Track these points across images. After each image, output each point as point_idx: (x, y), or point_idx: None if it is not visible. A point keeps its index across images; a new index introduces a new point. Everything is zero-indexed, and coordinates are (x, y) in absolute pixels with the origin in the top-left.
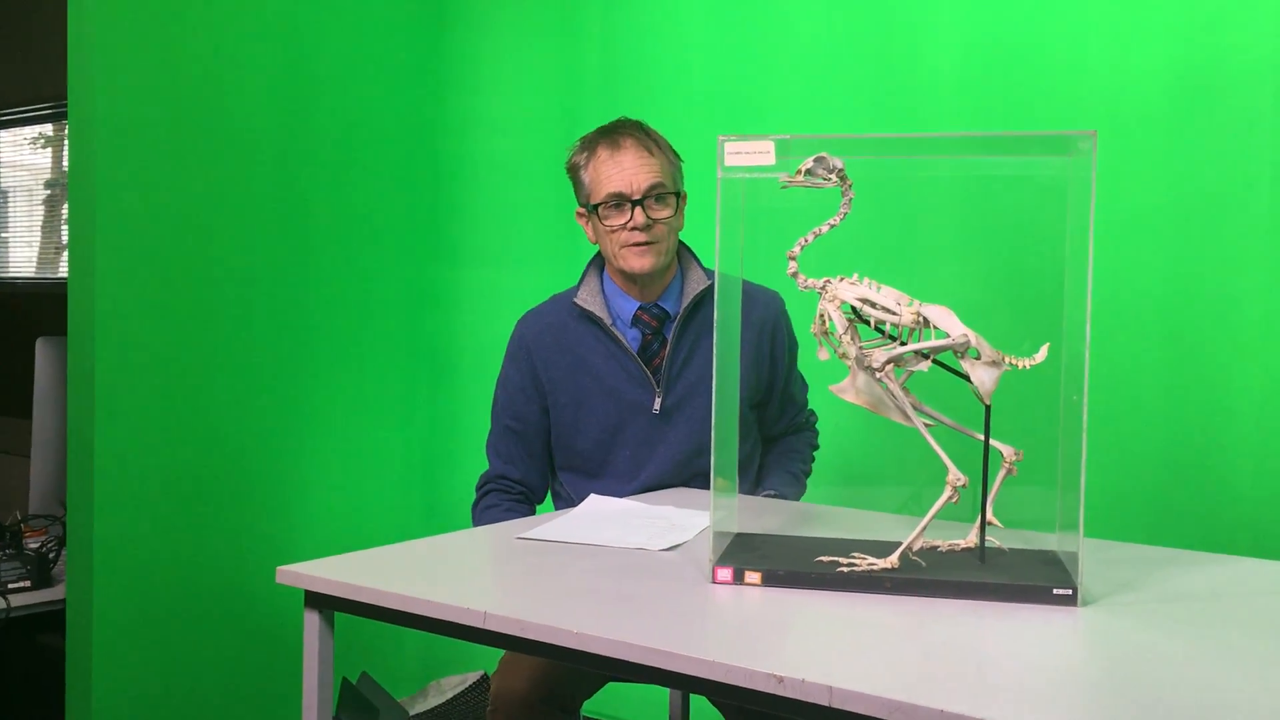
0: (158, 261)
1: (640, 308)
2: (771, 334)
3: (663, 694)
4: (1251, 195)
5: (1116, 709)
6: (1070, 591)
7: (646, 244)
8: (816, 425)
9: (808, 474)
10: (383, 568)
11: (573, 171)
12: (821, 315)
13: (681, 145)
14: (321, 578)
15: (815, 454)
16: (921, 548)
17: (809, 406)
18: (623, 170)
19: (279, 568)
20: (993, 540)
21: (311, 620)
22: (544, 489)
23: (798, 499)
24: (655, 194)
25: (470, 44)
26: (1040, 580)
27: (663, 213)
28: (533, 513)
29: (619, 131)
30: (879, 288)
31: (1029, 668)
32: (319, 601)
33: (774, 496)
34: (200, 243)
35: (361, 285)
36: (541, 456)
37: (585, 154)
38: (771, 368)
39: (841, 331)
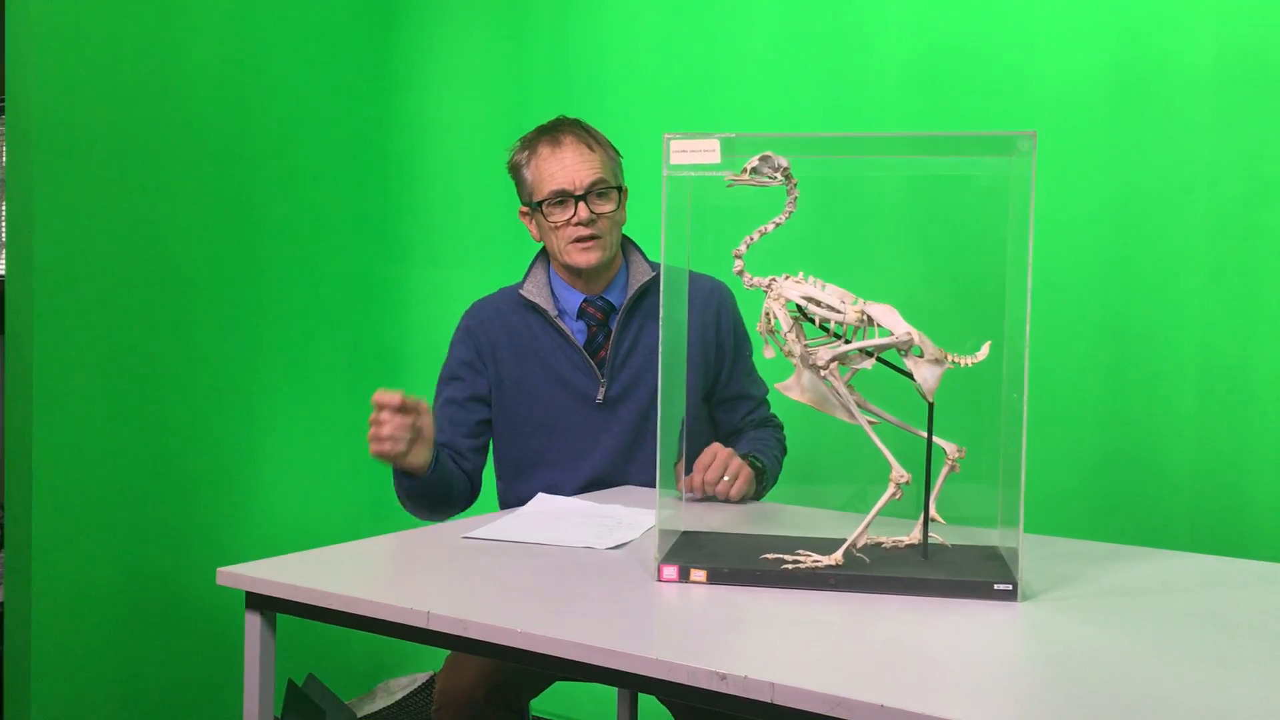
0: (98, 259)
1: (585, 300)
2: (716, 319)
3: (611, 692)
4: (1188, 196)
5: (1054, 703)
6: (1011, 587)
7: (591, 238)
8: (783, 437)
9: (780, 460)
10: (325, 568)
11: (514, 170)
12: (767, 314)
13: (630, 143)
14: (263, 579)
15: (784, 457)
16: (865, 544)
17: (774, 414)
18: (565, 167)
19: (220, 569)
20: (936, 537)
21: (253, 622)
22: (475, 464)
23: (773, 472)
24: (597, 189)
25: (419, 41)
26: (982, 576)
27: (605, 207)
28: (465, 476)
29: (559, 129)
30: (824, 286)
31: (969, 662)
32: (260, 603)
33: (755, 460)
34: (142, 240)
35: (309, 284)
36: (475, 434)
37: (526, 152)
38: (719, 353)
39: (787, 330)
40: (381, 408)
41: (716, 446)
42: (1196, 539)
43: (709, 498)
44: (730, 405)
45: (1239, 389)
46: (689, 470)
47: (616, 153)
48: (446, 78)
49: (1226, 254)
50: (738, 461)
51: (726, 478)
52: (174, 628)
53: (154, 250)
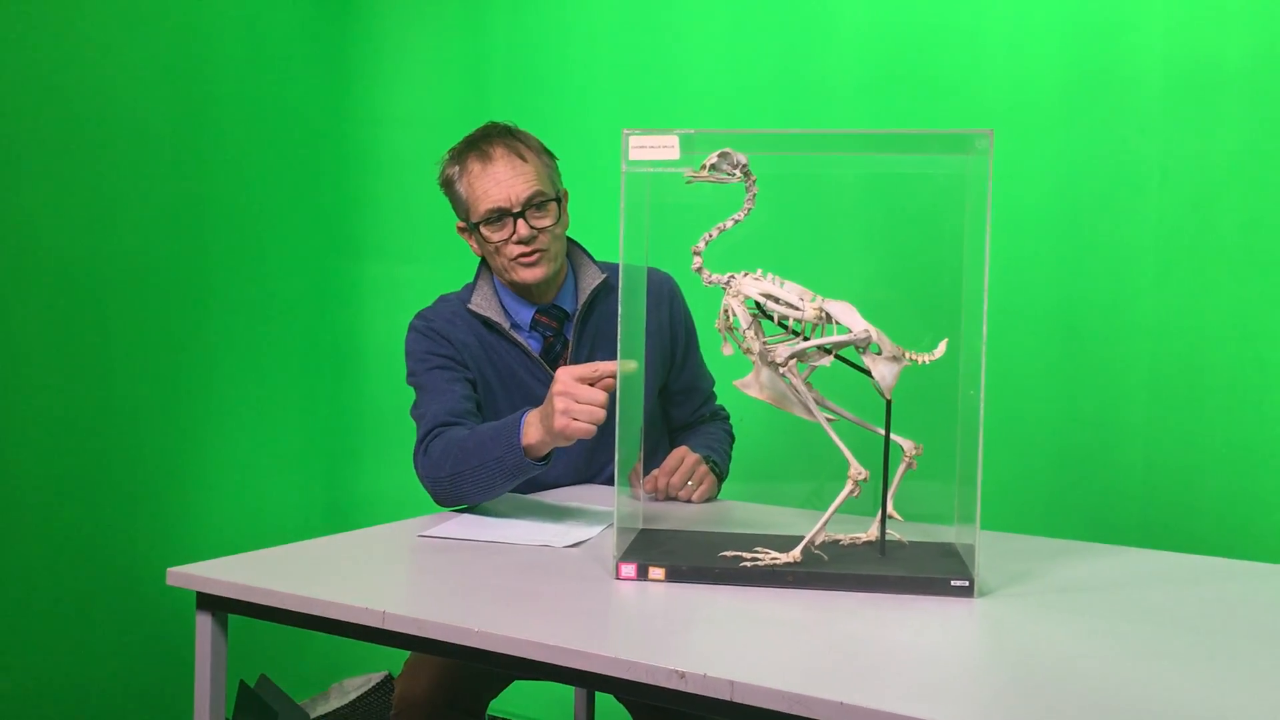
0: (43, 254)
1: (538, 310)
2: (669, 311)
3: (569, 692)
4: (1142, 195)
5: (1010, 697)
6: (967, 583)
7: (535, 253)
8: (731, 428)
9: (729, 456)
10: (278, 568)
11: (446, 186)
12: (726, 310)
13: (587, 141)
14: (214, 579)
15: (732, 448)
16: (823, 542)
17: (719, 405)
18: (498, 183)
19: (170, 569)
20: (893, 533)
21: (204, 622)
22: None
23: (726, 470)
24: (535, 203)
25: (374, 34)
26: (938, 572)
27: (544, 221)
28: None
29: (488, 141)
30: (782, 283)
31: (926, 658)
32: (211, 603)
33: (715, 467)
34: (88, 235)
35: (260, 279)
36: (478, 406)
37: (456, 167)
38: (672, 344)
39: (745, 327)
40: (603, 377)
41: (684, 451)
42: (1148, 535)
43: (669, 497)
44: (683, 398)
45: (1189, 387)
46: (647, 471)
47: (551, 157)
48: (401, 71)
49: (1177, 252)
50: (704, 469)
51: (690, 483)
52: (123, 629)
53: (101, 245)
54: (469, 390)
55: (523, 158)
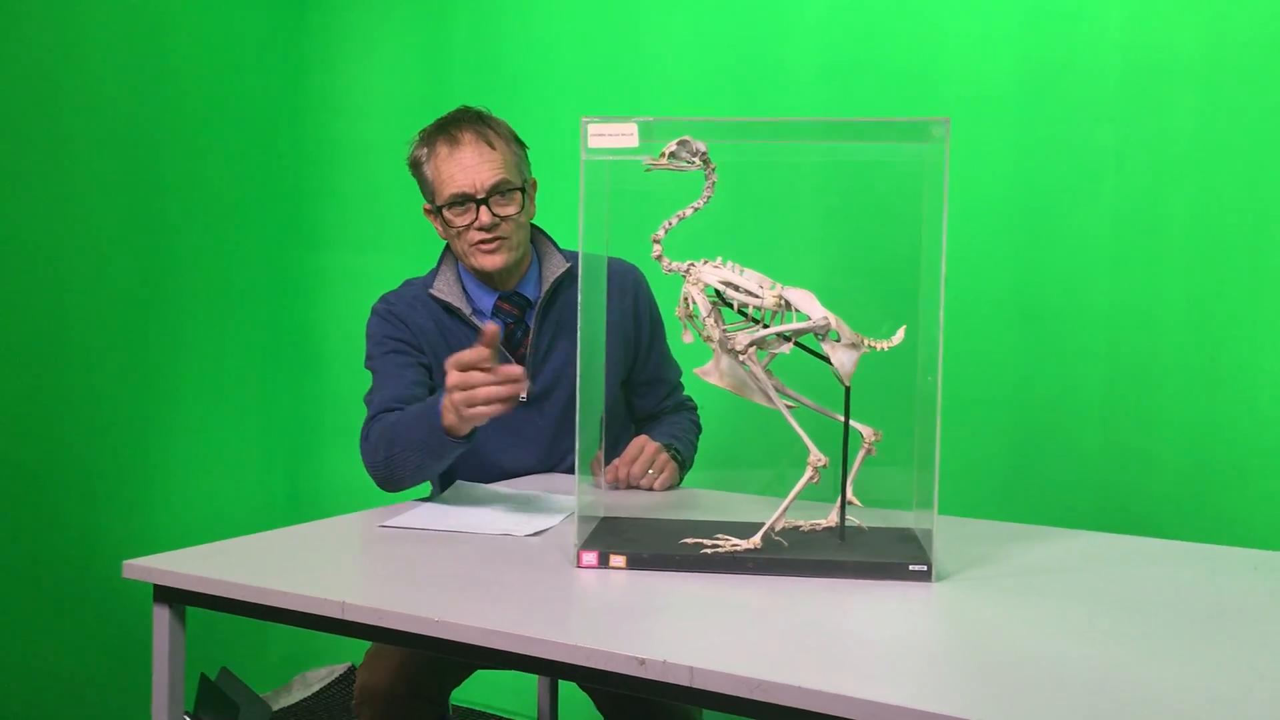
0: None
1: (500, 297)
2: (634, 303)
3: (532, 681)
4: (1098, 183)
5: (966, 679)
6: (925, 568)
7: (496, 240)
8: (698, 418)
9: (695, 443)
10: (237, 559)
11: (414, 168)
12: (685, 298)
13: (547, 128)
14: (171, 571)
15: (699, 437)
16: (784, 528)
17: (687, 395)
18: (464, 169)
19: (126, 561)
20: (853, 519)
21: (161, 615)
22: None
23: (690, 458)
24: (499, 190)
25: (333, 21)
26: (897, 557)
27: (508, 209)
28: None
29: (457, 125)
30: (742, 271)
31: (885, 642)
32: (168, 595)
33: (676, 454)
34: (46, 223)
35: (218, 269)
36: (431, 393)
37: (425, 149)
38: (637, 337)
39: (705, 314)
40: (473, 367)
41: (644, 440)
42: (1104, 518)
43: (630, 486)
44: (647, 389)
45: (1144, 372)
46: (609, 460)
47: (521, 145)
48: (361, 59)
49: (1132, 240)
50: (664, 457)
51: (652, 472)
52: (80, 623)
53: (57, 233)
54: (421, 376)
55: (491, 145)
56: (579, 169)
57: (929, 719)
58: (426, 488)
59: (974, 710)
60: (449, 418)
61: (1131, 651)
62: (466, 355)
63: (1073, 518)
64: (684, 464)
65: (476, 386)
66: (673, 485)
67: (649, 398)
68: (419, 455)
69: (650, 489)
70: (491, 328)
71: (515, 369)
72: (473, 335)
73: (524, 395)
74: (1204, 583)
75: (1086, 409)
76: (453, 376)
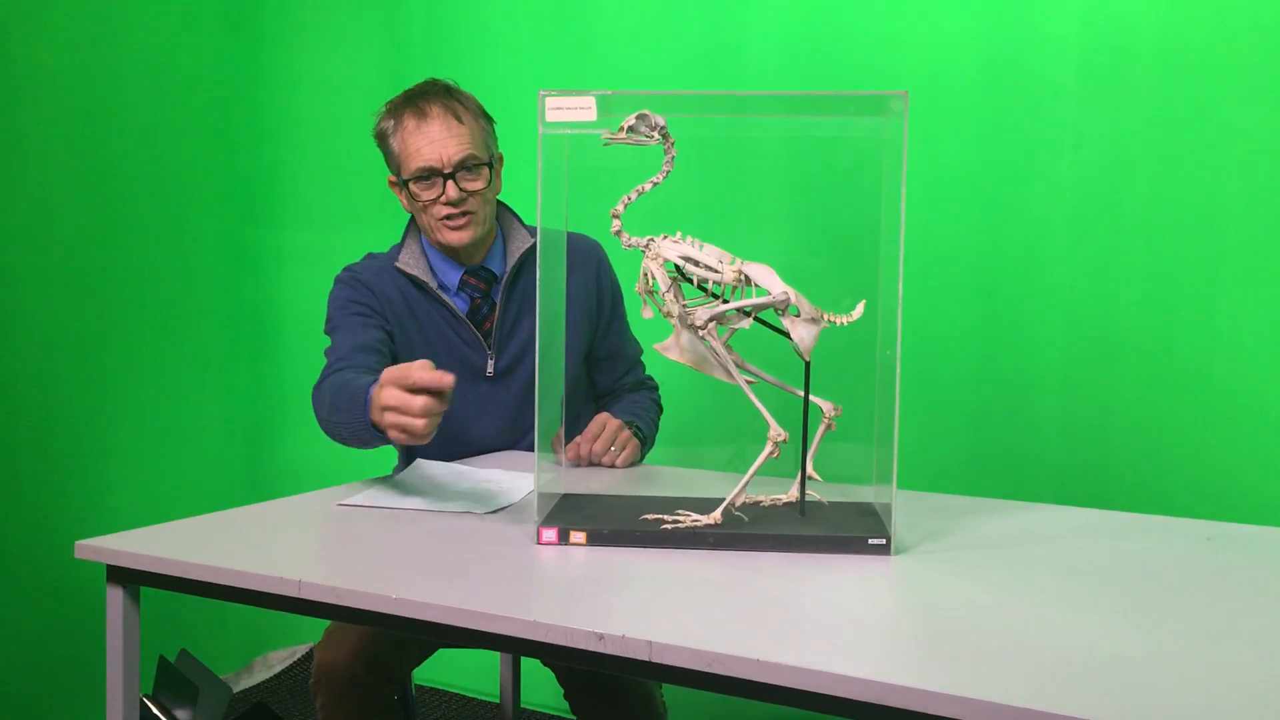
0: None
1: (467, 271)
2: (596, 277)
3: (495, 659)
4: (1057, 159)
5: (922, 650)
6: (884, 541)
7: (463, 216)
8: (659, 398)
9: (657, 422)
10: (192, 539)
11: (380, 139)
12: (645, 274)
13: (506, 102)
14: (124, 551)
15: (660, 416)
16: (744, 503)
17: (648, 374)
18: (431, 142)
19: (78, 542)
20: (813, 494)
21: (114, 596)
22: None
23: (651, 437)
24: (466, 165)
25: None
26: (856, 531)
27: (475, 184)
28: None
29: (425, 98)
30: (701, 246)
31: (842, 615)
32: (122, 576)
33: (639, 431)
34: None
35: (173, 247)
36: (392, 356)
37: (392, 121)
38: (598, 309)
39: (665, 290)
40: (420, 391)
41: (605, 417)
42: (1062, 492)
43: (592, 463)
44: (607, 364)
45: (1102, 347)
46: (569, 438)
47: (489, 120)
48: (318, 34)
49: (1090, 216)
50: (626, 434)
51: (614, 449)
52: (34, 605)
53: (3, 213)
54: (384, 336)
55: (459, 118)
56: (536, 143)
57: (885, 689)
58: (391, 463)
59: (930, 680)
60: (376, 417)
61: (1086, 622)
62: (421, 376)
63: (1032, 492)
64: (645, 442)
65: (410, 413)
66: (634, 462)
67: (609, 373)
68: (350, 433)
69: (612, 466)
70: (448, 380)
71: (446, 387)
72: (439, 309)
73: (490, 370)
74: (1158, 553)
75: (1045, 384)
76: (391, 394)
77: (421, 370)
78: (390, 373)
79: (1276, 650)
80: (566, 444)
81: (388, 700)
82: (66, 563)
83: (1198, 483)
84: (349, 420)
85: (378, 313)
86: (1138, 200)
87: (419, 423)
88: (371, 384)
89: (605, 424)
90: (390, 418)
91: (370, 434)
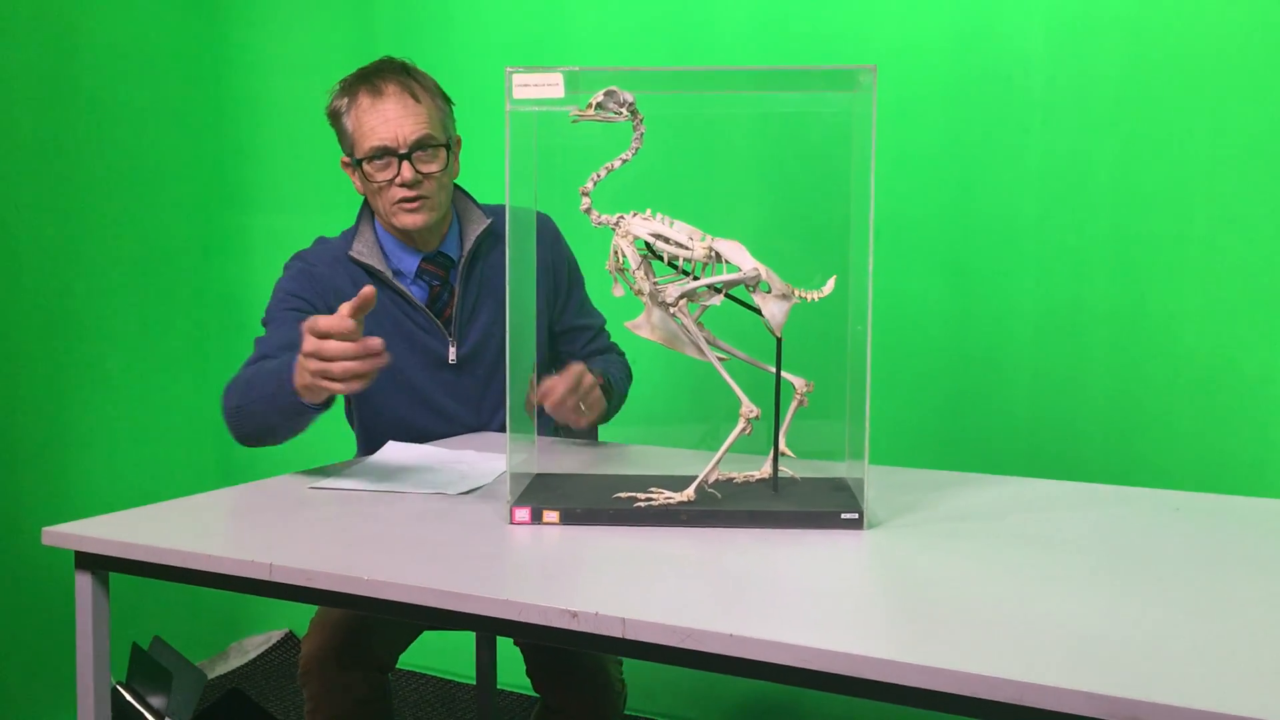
0: None
1: (424, 258)
2: (552, 251)
3: (470, 641)
4: (1026, 134)
5: (893, 621)
6: (856, 515)
7: (417, 199)
8: (627, 363)
9: (626, 383)
10: (161, 523)
11: (334, 118)
12: (615, 251)
13: (474, 81)
14: (92, 537)
15: (629, 383)
16: (717, 480)
17: (614, 343)
18: (386, 121)
19: (45, 529)
20: (786, 470)
21: (84, 583)
22: None
23: (623, 392)
24: (423, 146)
25: None
26: (829, 506)
27: (432, 166)
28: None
29: (381, 76)
30: (671, 223)
31: (815, 589)
32: (91, 562)
33: (600, 380)
34: None
35: (139, 231)
36: None
37: (345, 99)
38: (555, 282)
39: (635, 267)
40: (331, 335)
41: (581, 368)
42: (1033, 465)
43: (561, 430)
44: (571, 337)
45: (1072, 321)
46: (541, 424)
47: (447, 101)
48: (283, 13)
49: (1060, 191)
50: (597, 394)
51: (583, 406)
52: (3, 593)
53: None
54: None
55: (416, 98)
56: (504, 121)
57: (857, 661)
58: (350, 449)
59: (901, 652)
60: (302, 378)
61: (1056, 592)
62: (324, 322)
63: (1005, 465)
64: (610, 389)
65: (333, 358)
66: (599, 420)
67: (574, 344)
68: (267, 411)
69: (580, 410)
70: (368, 290)
71: (376, 342)
72: (395, 299)
73: (452, 358)
74: (1127, 524)
75: (1016, 358)
76: (308, 342)
77: (326, 318)
78: (304, 324)
79: (1241, 616)
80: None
81: (375, 689)
82: (35, 550)
83: (1165, 454)
84: (267, 392)
85: (319, 311)
86: (1105, 172)
87: (335, 366)
88: (293, 358)
89: (582, 376)
90: (311, 364)
91: (294, 403)
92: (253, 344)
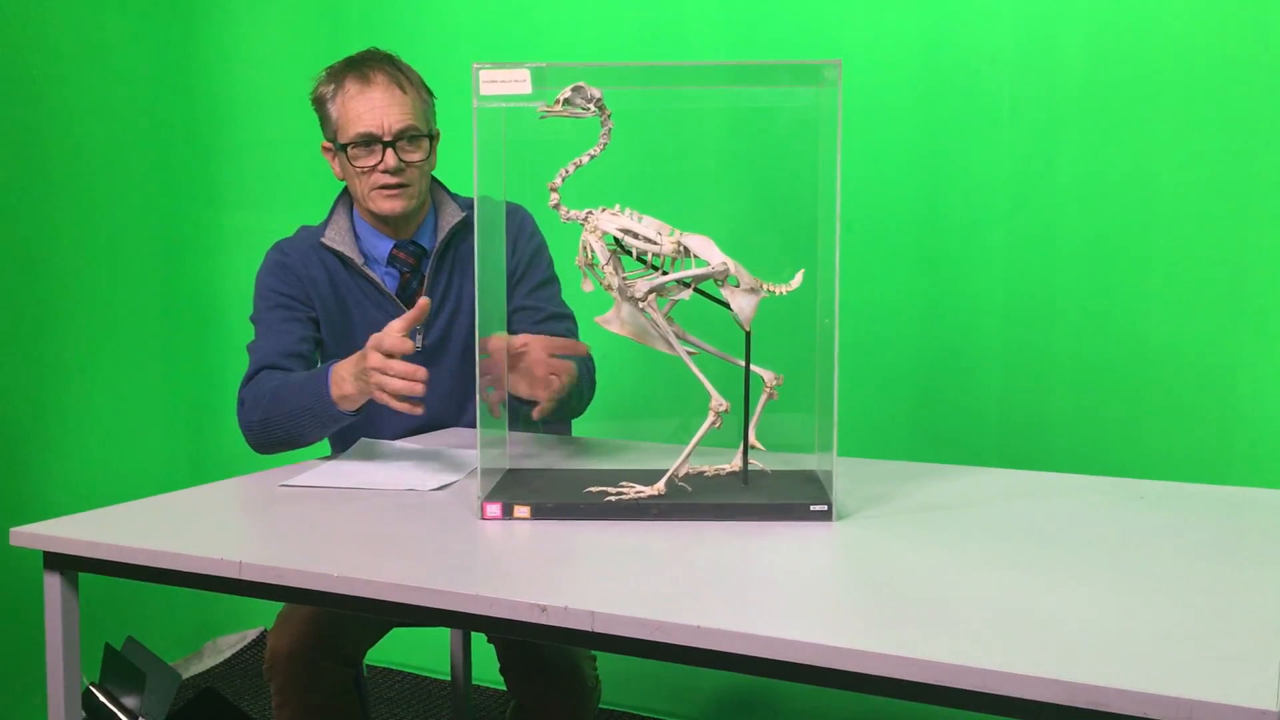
0: None
1: (396, 245)
2: (514, 236)
3: (445, 637)
4: (994, 126)
5: (860, 611)
6: (826, 507)
7: (398, 186)
8: (593, 371)
9: (589, 386)
10: (130, 523)
11: (318, 104)
12: (584, 247)
13: (445, 76)
14: (61, 537)
15: (592, 389)
16: (687, 474)
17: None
18: (373, 109)
19: (13, 529)
20: (756, 463)
21: (52, 583)
22: None
23: (584, 385)
24: (407, 135)
25: None
26: (798, 498)
27: (414, 155)
28: None
29: (369, 65)
30: (640, 218)
31: (784, 580)
32: (59, 563)
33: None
34: None
35: (109, 227)
36: (318, 346)
37: (332, 86)
38: (512, 269)
39: (604, 262)
40: (394, 355)
41: (540, 339)
42: (1004, 455)
43: (535, 425)
44: (522, 315)
45: (1041, 313)
46: (511, 418)
47: (430, 94)
48: (251, 9)
49: (1029, 183)
50: (570, 365)
51: (554, 376)
52: None
53: None
54: (308, 331)
55: (402, 88)
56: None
57: (827, 651)
58: (325, 446)
59: (871, 641)
60: (346, 387)
61: (1024, 580)
62: (388, 342)
63: (974, 456)
64: (575, 383)
65: (395, 376)
66: (562, 416)
67: (520, 324)
68: (301, 421)
69: (542, 396)
70: (424, 302)
71: (423, 371)
72: (367, 286)
73: (419, 345)
74: (1093, 513)
75: (985, 349)
76: (374, 359)
77: (390, 338)
78: (369, 342)
79: (1204, 601)
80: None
81: (343, 683)
82: (3, 551)
83: (1132, 444)
84: (301, 404)
85: (302, 303)
86: (1072, 165)
87: (393, 384)
88: (328, 369)
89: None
90: (374, 378)
91: (333, 412)
92: (246, 350)
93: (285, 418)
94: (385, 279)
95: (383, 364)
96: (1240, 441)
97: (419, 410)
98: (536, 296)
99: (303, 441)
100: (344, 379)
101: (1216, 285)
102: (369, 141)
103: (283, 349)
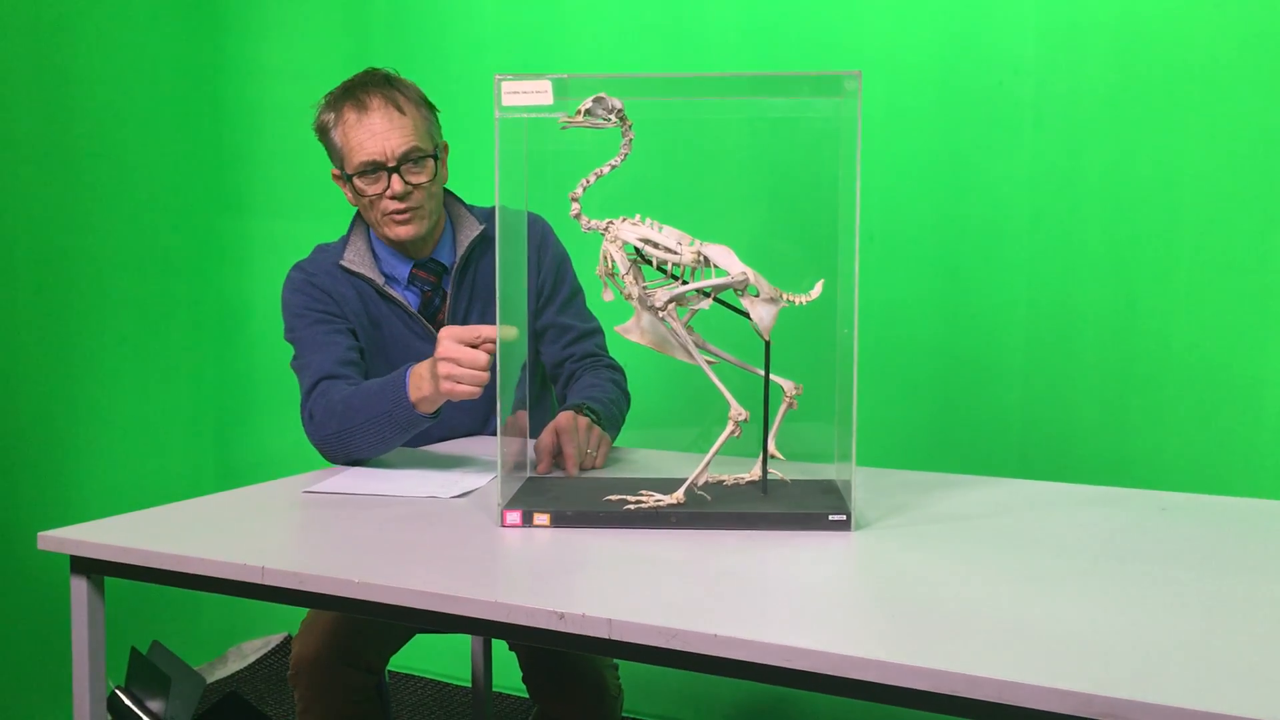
0: None
1: (416, 265)
2: (537, 251)
3: (467, 644)
4: (1016, 137)
5: (877, 622)
6: (845, 517)
7: (407, 210)
8: (623, 380)
9: (622, 402)
10: (156, 528)
11: (321, 133)
12: (605, 256)
13: (468, 86)
14: (88, 541)
15: (628, 401)
16: (707, 483)
17: (612, 359)
18: (373, 135)
19: (41, 533)
20: (775, 473)
21: (79, 587)
22: None
23: (618, 414)
24: (411, 158)
25: None
26: (817, 508)
27: (420, 177)
28: None
29: (364, 90)
30: (660, 228)
31: (801, 590)
32: (86, 566)
33: (586, 408)
34: None
35: (138, 235)
36: (362, 355)
37: (332, 115)
38: (538, 285)
39: (624, 272)
40: (485, 340)
41: (570, 417)
42: (1026, 466)
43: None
44: (553, 335)
45: (1064, 323)
46: (533, 428)
47: (432, 109)
48: (280, 19)
49: (1051, 192)
50: (597, 431)
51: (590, 450)
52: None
53: None
54: (352, 340)
55: (400, 109)
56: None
57: (844, 661)
58: None
59: (889, 651)
60: (425, 388)
61: (1042, 592)
62: (463, 331)
63: (996, 467)
64: (606, 423)
65: (468, 366)
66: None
67: (554, 344)
68: (381, 428)
69: (595, 467)
70: (511, 333)
71: (485, 358)
72: (391, 307)
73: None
74: (1114, 525)
75: (1007, 359)
76: (447, 348)
77: (462, 329)
78: (441, 332)
79: (1226, 616)
80: (540, 451)
81: (366, 689)
82: (31, 555)
83: (1156, 455)
84: (379, 411)
85: (339, 315)
86: (1096, 174)
87: (467, 373)
88: (405, 371)
89: (574, 424)
90: (444, 368)
91: (412, 416)
92: (292, 369)
93: (363, 426)
94: (407, 298)
95: (453, 352)
96: (1268, 453)
97: (477, 394)
98: (565, 314)
99: (383, 449)
100: (423, 378)
101: (1242, 294)
102: (374, 169)
103: (337, 358)
